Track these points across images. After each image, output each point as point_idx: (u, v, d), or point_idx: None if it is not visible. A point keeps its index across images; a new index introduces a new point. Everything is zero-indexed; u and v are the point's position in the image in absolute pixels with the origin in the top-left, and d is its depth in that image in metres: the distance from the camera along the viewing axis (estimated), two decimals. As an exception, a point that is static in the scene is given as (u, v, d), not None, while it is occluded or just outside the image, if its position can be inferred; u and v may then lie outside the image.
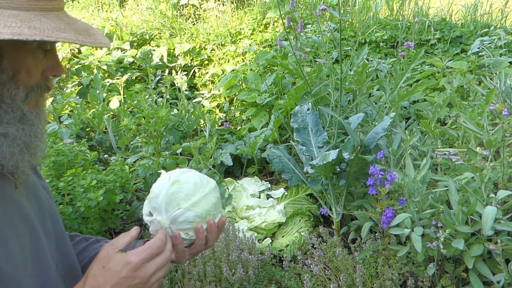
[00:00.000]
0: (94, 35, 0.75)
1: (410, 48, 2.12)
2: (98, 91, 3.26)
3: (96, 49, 3.88)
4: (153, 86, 3.03)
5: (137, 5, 5.42)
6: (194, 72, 4.20)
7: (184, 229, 0.91)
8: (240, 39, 4.25)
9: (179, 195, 0.91)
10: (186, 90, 3.69)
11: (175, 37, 4.62)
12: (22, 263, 0.77)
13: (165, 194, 0.91)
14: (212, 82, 4.06)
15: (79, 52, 4.04)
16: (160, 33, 4.69)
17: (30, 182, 0.86)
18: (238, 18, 4.71)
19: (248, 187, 2.43)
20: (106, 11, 5.60)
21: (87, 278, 0.80)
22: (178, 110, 3.27)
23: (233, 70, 3.68)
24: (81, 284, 0.81)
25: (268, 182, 2.56)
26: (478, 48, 2.96)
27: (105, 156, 2.60)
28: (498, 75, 1.91)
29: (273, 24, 4.19)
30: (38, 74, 0.76)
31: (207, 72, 4.07)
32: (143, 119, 2.22)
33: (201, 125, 3.20)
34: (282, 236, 2.12)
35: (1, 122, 0.72)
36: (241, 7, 5.06)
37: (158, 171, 0.97)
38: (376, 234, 1.67)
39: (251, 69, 3.45)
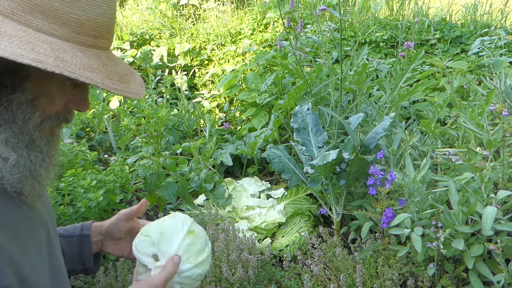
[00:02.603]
0: (128, 83, 0.72)
1: (410, 48, 2.12)
2: (98, 91, 3.26)
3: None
4: (153, 86, 3.03)
5: (137, 5, 5.42)
6: (194, 72, 4.20)
7: (184, 284, 0.90)
8: (240, 39, 4.25)
9: (193, 249, 0.89)
10: (186, 90, 3.69)
11: (175, 37, 4.62)
12: (42, 270, 0.78)
13: (180, 244, 0.88)
14: (212, 82, 4.06)
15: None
16: (160, 33, 4.69)
17: None
18: (238, 18, 4.71)
19: (248, 187, 2.43)
20: (106, 11, 5.59)
21: None
22: (178, 110, 3.27)
23: (233, 70, 3.68)
24: None
25: (268, 182, 2.55)
26: (478, 48, 2.96)
27: (105, 156, 2.60)
28: (498, 75, 1.91)
29: (273, 24, 4.19)
30: (61, 104, 0.74)
31: (207, 72, 4.07)
32: (143, 119, 2.22)
33: (201, 125, 3.20)
34: (282, 236, 2.12)
35: (7, 145, 0.69)
36: (241, 7, 5.06)
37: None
38: (376, 234, 1.67)
39: (251, 69, 3.45)
